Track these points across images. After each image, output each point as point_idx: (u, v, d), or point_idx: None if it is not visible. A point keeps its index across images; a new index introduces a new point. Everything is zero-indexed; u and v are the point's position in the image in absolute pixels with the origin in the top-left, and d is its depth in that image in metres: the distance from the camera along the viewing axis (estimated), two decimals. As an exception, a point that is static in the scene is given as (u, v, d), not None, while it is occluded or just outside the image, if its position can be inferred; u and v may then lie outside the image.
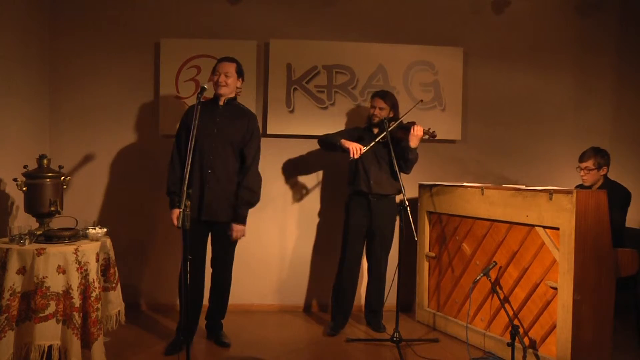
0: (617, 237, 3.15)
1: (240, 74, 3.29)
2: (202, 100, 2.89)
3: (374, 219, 3.61)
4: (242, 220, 3.22)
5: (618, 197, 3.38)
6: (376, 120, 3.61)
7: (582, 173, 3.48)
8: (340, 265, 3.67)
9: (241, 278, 3.95)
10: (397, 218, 3.49)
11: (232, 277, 3.39)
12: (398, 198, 3.82)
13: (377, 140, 3.47)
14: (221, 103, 3.25)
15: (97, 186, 4.05)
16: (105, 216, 3.83)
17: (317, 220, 4.16)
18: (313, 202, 4.17)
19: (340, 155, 3.72)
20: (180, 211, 2.57)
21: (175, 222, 3.17)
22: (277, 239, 4.17)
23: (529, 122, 4.27)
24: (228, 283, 3.37)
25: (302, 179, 4.18)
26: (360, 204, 3.61)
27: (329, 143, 3.63)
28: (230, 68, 3.23)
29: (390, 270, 3.70)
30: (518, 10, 4.21)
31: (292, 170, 4.17)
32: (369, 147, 3.45)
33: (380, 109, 3.59)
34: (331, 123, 4.09)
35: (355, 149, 3.43)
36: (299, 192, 4.18)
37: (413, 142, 3.54)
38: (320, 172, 4.13)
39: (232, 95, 3.29)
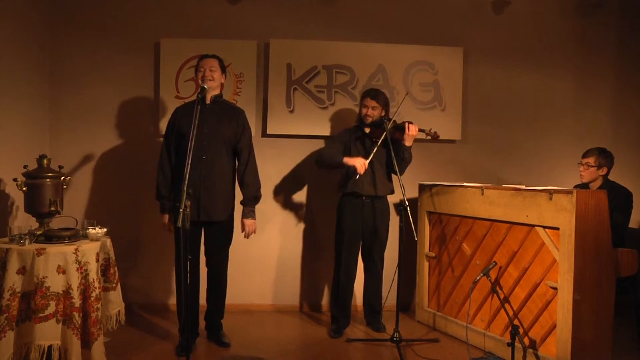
0: (619, 237, 3.16)
1: (223, 69, 3.30)
2: (187, 102, 2.90)
3: (369, 220, 3.60)
4: (253, 215, 3.28)
5: (621, 199, 3.38)
6: (369, 120, 3.58)
7: (581, 169, 3.49)
8: (337, 268, 3.67)
9: (239, 278, 3.97)
10: (397, 218, 3.48)
11: (227, 276, 3.39)
12: (392, 198, 3.83)
13: (378, 145, 3.45)
14: (208, 101, 3.22)
15: (97, 186, 4.05)
16: (105, 216, 3.83)
17: (314, 220, 4.16)
18: (313, 201, 4.17)
19: None
20: (180, 214, 2.56)
21: (167, 226, 3.22)
22: (274, 239, 4.16)
23: (529, 122, 4.27)
24: (224, 282, 3.37)
25: (301, 179, 4.18)
26: (353, 206, 3.60)
27: (329, 164, 3.58)
28: (214, 63, 3.23)
29: (390, 270, 3.71)
30: (518, 10, 4.21)
31: (292, 170, 4.17)
32: (372, 155, 3.44)
33: (373, 108, 3.57)
34: (331, 123, 4.10)
35: (361, 165, 3.40)
36: (299, 193, 4.18)
37: (408, 141, 3.54)
38: (317, 173, 4.12)
39: (218, 91, 3.29)
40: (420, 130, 3.53)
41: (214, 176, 3.18)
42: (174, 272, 3.43)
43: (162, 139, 3.95)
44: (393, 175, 3.67)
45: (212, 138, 3.17)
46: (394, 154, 3.42)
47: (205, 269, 3.34)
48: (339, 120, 4.09)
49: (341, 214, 3.65)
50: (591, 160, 3.44)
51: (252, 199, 3.29)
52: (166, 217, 3.24)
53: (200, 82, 3.18)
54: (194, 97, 3.20)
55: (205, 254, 3.31)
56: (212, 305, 3.38)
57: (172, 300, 4.04)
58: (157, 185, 3.24)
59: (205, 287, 3.38)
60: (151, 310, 4.03)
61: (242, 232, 3.30)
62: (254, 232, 3.32)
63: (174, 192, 3.18)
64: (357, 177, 3.43)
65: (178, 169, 3.16)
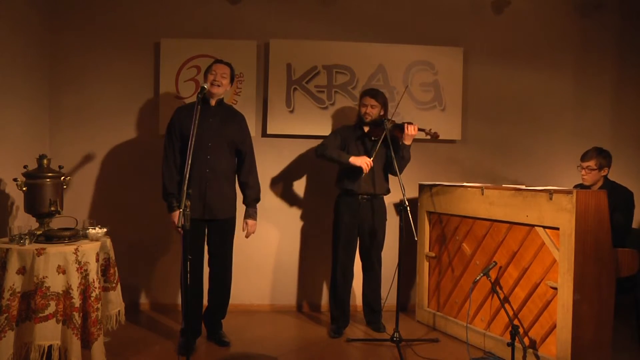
0: (621, 238, 3.15)
1: (232, 78, 3.36)
2: (188, 102, 2.90)
3: (366, 219, 3.61)
4: (255, 216, 3.38)
5: (622, 199, 3.37)
6: (368, 119, 3.60)
7: (583, 172, 3.47)
8: (334, 267, 3.67)
9: (238, 278, 3.95)
10: (397, 218, 3.49)
11: (232, 276, 3.40)
12: (392, 198, 3.83)
13: (380, 143, 3.47)
14: (213, 104, 3.28)
15: (97, 186, 4.05)
16: (105, 216, 3.83)
17: (313, 220, 4.15)
18: (311, 201, 4.17)
19: None
20: (180, 212, 2.59)
21: (176, 224, 3.19)
22: (273, 239, 4.17)
23: (529, 122, 4.26)
24: (229, 281, 3.39)
25: (300, 179, 4.18)
26: (350, 204, 3.61)
27: (331, 159, 3.58)
28: (226, 70, 3.29)
29: (390, 270, 3.71)
30: (518, 10, 4.21)
31: (291, 170, 4.16)
32: (374, 153, 3.48)
33: (372, 107, 3.59)
34: (331, 123, 4.10)
35: (367, 164, 3.44)
36: (298, 193, 4.18)
37: (407, 140, 3.55)
38: (316, 174, 4.13)
39: (222, 96, 3.35)
40: (420, 129, 3.54)
41: (218, 176, 3.23)
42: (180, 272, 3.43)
43: (162, 139, 3.95)
44: (391, 175, 3.68)
45: (217, 139, 3.22)
46: (393, 154, 3.42)
47: (208, 268, 3.36)
48: (339, 120, 4.09)
49: (338, 214, 3.66)
50: (592, 163, 3.42)
51: (255, 200, 3.39)
52: (175, 214, 3.20)
53: (209, 85, 3.20)
54: (194, 97, 3.21)
55: (209, 253, 3.33)
56: (214, 305, 3.38)
57: (172, 300, 4.05)
58: (164, 183, 3.25)
59: (208, 286, 3.39)
60: (151, 310, 4.03)
61: (244, 231, 3.36)
62: (254, 232, 3.40)
63: (180, 190, 3.19)
64: (363, 175, 3.47)
65: (183, 168, 3.17)
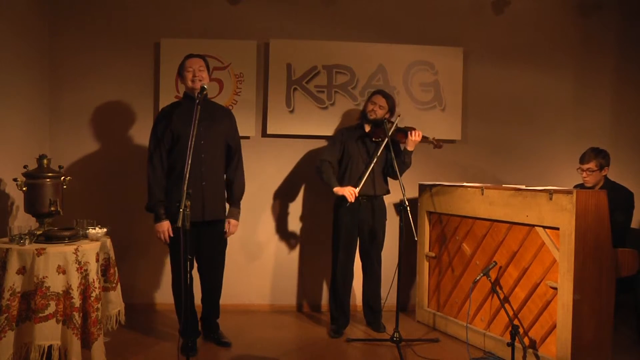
0: (620, 238, 3.15)
1: (208, 69, 3.25)
2: (173, 102, 2.86)
3: (365, 219, 3.61)
4: (238, 216, 3.29)
5: (622, 199, 3.37)
6: (372, 116, 3.59)
7: (584, 175, 3.45)
8: (334, 267, 3.67)
9: (238, 278, 3.97)
10: (397, 218, 3.49)
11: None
12: (392, 198, 3.83)
13: (382, 147, 3.46)
14: (198, 100, 3.13)
15: (97, 186, 4.05)
16: (105, 216, 3.83)
17: (313, 219, 4.15)
18: (311, 201, 4.17)
19: None
20: (180, 214, 2.53)
21: (163, 236, 3.10)
22: (273, 239, 4.17)
23: (529, 122, 4.27)
24: (221, 282, 3.36)
25: (300, 179, 4.18)
26: (349, 205, 3.59)
27: (323, 180, 3.59)
28: (202, 63, 3.18)
29: (390, 270, 3.71)
30: (518, 10, 4.21)
31: (291, 170, 4.16)
32: (376, 157, 3.45)
33: (381, 107, 3.58)
34: (331, 123, 4.10)
35: (350, 193, 3.42)
36: (297, 193, 4.18)
37: (410, 146, 3.55)
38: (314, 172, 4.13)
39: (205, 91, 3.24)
40: (423, 137, 3.54)
41: (213, 174, 3.17)
42: (171, 273, 3.39)
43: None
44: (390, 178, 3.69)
45: (209, 136, 3.15)
46: (394, 156, 3.42)
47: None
48: (339, 120, 4.09)
49: (338, 214, 3.65)
50: (592, 165, 3.40)
51: (239, 198, 3.30)
52: (165, 224, 3.10)
53: (190, 83, 3.13)
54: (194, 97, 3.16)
55: (202, 255, 3.24)
56: (209, 307, 3.36)
57: (172, 300, 4.03)
58: (150, 190, 3.13)
59: (199, 287, 3.35)
60: (151, 310, 4.03)
61: (225, 231, 3.26)
62: (234, 233, 3.30)
63: (168, 195, 3.12)
64: (347, 204, 3.44)
65: (174, 170, 3.12)
